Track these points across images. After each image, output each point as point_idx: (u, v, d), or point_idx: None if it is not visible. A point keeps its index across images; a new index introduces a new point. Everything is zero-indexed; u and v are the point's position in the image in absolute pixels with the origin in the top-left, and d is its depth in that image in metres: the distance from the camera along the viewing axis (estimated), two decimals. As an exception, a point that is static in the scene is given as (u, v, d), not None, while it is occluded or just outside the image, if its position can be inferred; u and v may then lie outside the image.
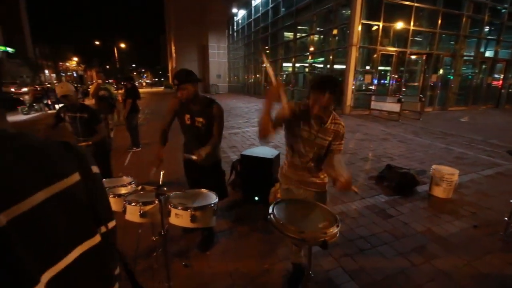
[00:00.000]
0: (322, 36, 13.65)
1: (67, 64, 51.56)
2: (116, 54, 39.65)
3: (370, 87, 11.48)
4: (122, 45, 40.90)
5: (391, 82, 11.85)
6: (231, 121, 9.63)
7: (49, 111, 13.72)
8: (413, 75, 12.87)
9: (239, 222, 3.00)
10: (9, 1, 42.38)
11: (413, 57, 12.23)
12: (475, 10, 12.14)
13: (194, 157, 2.12)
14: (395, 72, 11.80)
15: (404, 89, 12.00)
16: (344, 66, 11.15)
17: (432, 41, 11.88)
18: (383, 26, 10.76)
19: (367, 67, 11.73)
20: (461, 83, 13.41)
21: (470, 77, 13.81)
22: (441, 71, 12.48)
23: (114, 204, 1.98)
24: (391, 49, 11.28)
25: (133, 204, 1.80)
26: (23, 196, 0.43)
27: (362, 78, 11.67)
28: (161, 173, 1.67)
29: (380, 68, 11.62)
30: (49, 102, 14.22)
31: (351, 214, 3.09)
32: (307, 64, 14.39)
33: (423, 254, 2.40)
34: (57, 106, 14.13)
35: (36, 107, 13.12)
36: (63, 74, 52.97)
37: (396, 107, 9.56)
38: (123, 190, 2.15)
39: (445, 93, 12.85)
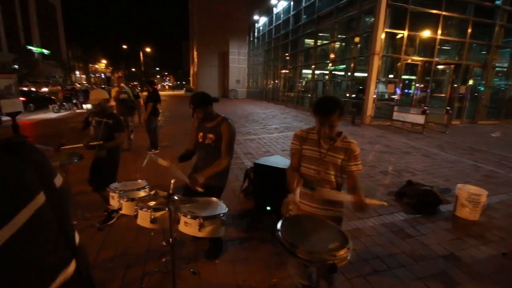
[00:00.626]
0: (343, 44, 13.45)
1: (96, 66, 54.49)
2: (141, 58, 41.36)
3: (393, 96, 11.10)
4: (148, 49, 42.60)
5: (415, 92, 11.40)
6: (248, 126, 9.66)
7: (77, 110, 14.51)
8: (440, 85, 12.30)
9: (249, 231, 2.95)
10: (47, 6, 45.67)
11: (440, 67, 11.71)
12: (509, 19, 11.47)
13: (185, 179, 2.06)
14: (420, 82, 11.35)
15: (429, 100, 11.50)
16: (365, 74, 10.89)
17: (461, 51, 11.33)
18: (408, 35, 10.42)
19: (390, 76, 11.38)
20: (493, 95, 12.63)
21: (503, 89, 12.99)
22: (470, 82, 11.83)
23: (127, 208, 2.02)
24: (417, 58, 10.88)
25: (144, 209, 1.83)
26: None
27: (384, 87, 11.33)
28: (172, 181, 1.68)
29: (404, 77, 11.22)
30: (78, 102, 15.05)
31: (367, 231, 2.95)
32: (327, 72, 14.21)
33: (444, 281, 2.23)
34: (84, 106, 14.94)
35: (65, 106, 13.89)
36: (92, 75, 55.97)
37: (420, 119, 9.15)
38: (136, 194, 2.19)
39: (474, 106, 12.14)
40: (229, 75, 28.23)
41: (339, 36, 13.23)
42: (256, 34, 25.31)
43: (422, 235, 2.90)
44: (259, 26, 24.19)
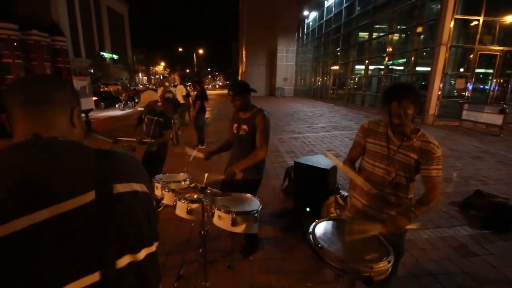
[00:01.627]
0: (403, 35, 12.23)
1: (156, 68, 59.94)
2: (195, 60, 44.05)
3: (463, 93, 9.69)
4: (200, 51, 45.15)
5: (492, 88, 9.76)
6: (292, 125, 9.50)
7: (139, 108, 16.18)
8: (526, 79, 10.33)
9: (287, 232, 2.88)
10: (116, 15, 51.85)
11: (527, 57, 9.80)
12: None
13: (221, 177, 2.08)
14: (499, 77, 9.66)
15: (510, 97, 9.74)
16: (429, 68, 9.72)
17: (557, 37, 9.30)
18: (483, 21, 8.95)
19: (461, 70, 9.95)
20: None
21: None
22: None
23: (168, 198, 2.15)
24: (495, 48, 9.27)
25: (182, 201, 1.91)
26: (16, 215, 0.41)
27: (453, 82, 9.97)
28: (205, 175, 1.71)
29: (478, 70, 9.69)
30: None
31: (421, 244, 2.61)
32: (382, 66, 13.10)
33: (519, 313, 1.84)
34: (139, 109, 16.61)
35: (129, 104, 15.60)
36: (152, 77, 61.74)
37: (497, 119, 7.79)
38: (177, 186, 2.31)
39: None
40: (277, 73, 28.13)
41: (398, 27, 12.07)
42: (305, 30, 24.73)
43: (491, 254, 2.44)
44: (309, 22, 23.55)
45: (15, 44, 36.06)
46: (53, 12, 38.29)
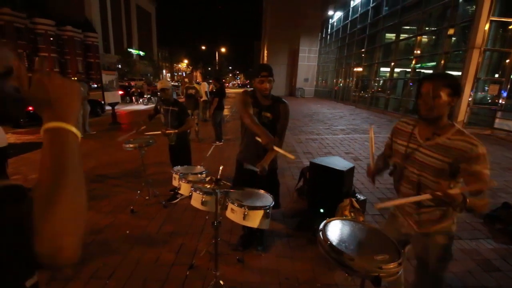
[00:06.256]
0: (433, 37, 11.67)
1: (179, 65, 61.53)
2: (217, 58, 44.78)
3: (497, 100, 9.09)
4: (223, 50, 45.82)
5: (530, 95, 9.07)
6: (311, 126, 9.39)
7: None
8: None
9: (299, 231, 2.87)
10: (144, 13, 53.71)
11: None
12: None
13: (257, 170, 2.11)
14: (539, 83, 8.96)
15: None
16: (459, 73, 9.22)
17: None
18: (524, 23, 8.34)
19: (496, 75, 9.34)
20: None
21: None
22: None
23: (184, 188, 2.22)
24: (536, 52, 8.62)
25: (197, 192, 1.97)
26: None
27: (486, 88, 9.39)
28: (220, 168, 1.75)
29: (514, 77, 9.06)
30: (162, 96, 17.31)
31: (438, 253, 2.50)
32: (409, 69, 12.57)
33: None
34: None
35: (152, 99, 16.16)
36: (175, 74, 63.47)
37: (533, 129, 7.26)
38: (194, 178, 2.38)
39: None
40: (297, 73, 27.85)
41: (428, 28, 11.54)
42: (329, 30, 24.29)
43: (517, 271, 2.30)
44: (333, 22, 23.11)
45: (51, 39, 38.61)
46: (86, 9, 40.40)
